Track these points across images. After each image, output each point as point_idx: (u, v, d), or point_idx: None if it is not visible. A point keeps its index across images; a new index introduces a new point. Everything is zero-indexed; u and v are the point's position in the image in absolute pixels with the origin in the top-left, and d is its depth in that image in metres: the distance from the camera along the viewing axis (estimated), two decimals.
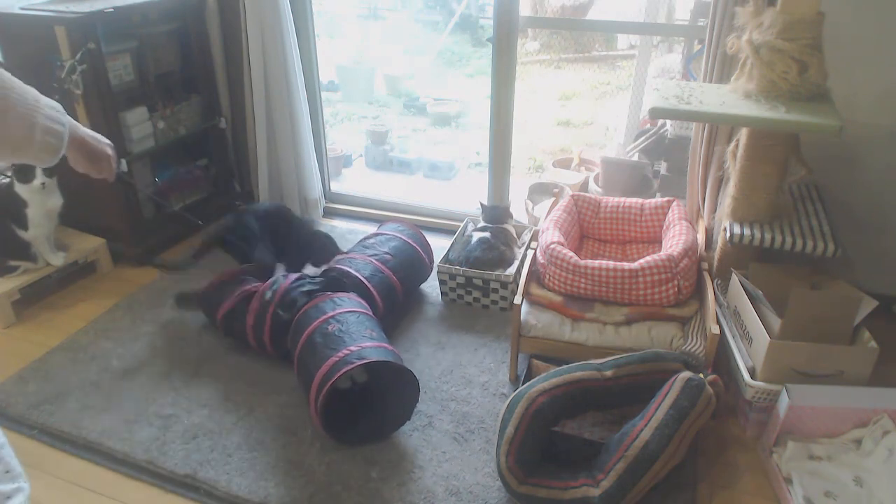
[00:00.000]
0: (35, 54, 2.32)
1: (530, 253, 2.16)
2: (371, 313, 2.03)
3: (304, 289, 2.08)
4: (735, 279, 1.95)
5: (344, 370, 1.70)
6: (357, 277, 2.16)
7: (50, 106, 1.08)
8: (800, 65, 1.74)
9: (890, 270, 2.30)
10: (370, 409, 1.90)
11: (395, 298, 2.28)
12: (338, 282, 2.13)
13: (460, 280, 2.38)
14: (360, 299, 2.07)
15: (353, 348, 1.77)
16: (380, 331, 1.95)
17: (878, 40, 2.02)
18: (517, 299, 1.95)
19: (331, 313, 1.93)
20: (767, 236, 1.88)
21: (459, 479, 1.72)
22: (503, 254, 2.42)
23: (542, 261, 2.05)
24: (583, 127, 4.68)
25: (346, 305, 1.98)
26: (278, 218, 2.49)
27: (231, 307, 2.12)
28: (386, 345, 1.86)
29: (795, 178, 1.96)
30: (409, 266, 2.37)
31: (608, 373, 1.68)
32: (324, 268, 2.25)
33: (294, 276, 2.15)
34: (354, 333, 1.85)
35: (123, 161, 1.48)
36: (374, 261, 2.26)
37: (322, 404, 1.71)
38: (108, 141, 1.29)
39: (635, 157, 2.75)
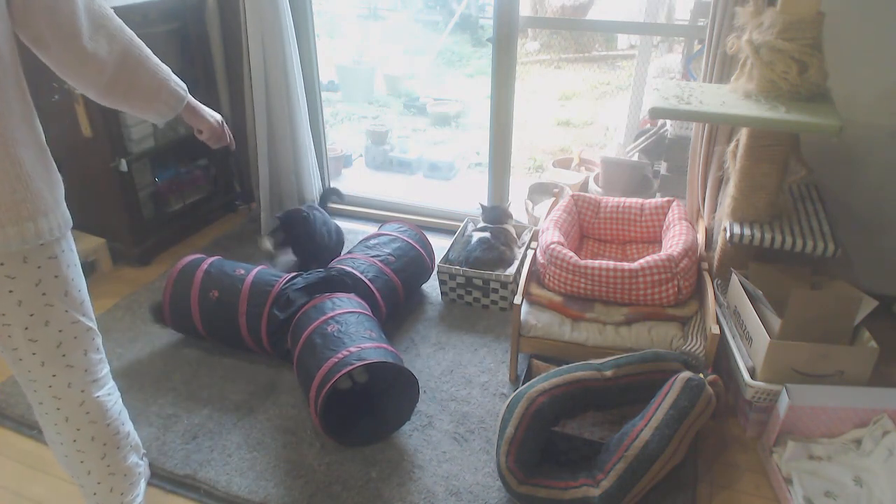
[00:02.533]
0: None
1: (530, 253, 2.16)
2: (371, 314, 2.03)
3: (299, 286, 2.08)
4: (735, 279, 1.95)
5: (343, 371, 1.70)
6: (360, 279, 2.16)
7: (178, 81, 1.33)
8: (800, 65, 1.74)
9: (890, 270, 2.30)
10: (370, 409, 1.90)
11: (397, 300, 2.28)
12: (334, 281, 2.12)
13: (460, 280, 2.38)
14: (359, 299, 2.07)
15: (352, 349, 1.77)
16: (379, 331, 1.95)
17: (878, 40, 2.02)
18: (517, 299, 1.95)
19: (330, 314, 1.93)
20: (767, 236, 1.88)
21: (459, 479, 1.72)
22: (503, 254, 2.42)
23: (542, 261, 2.05)
24: (583, 127, 4.68)
25: (346, 306, 1.98)
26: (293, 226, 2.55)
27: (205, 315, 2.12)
28: (386, 345, 1.86)
29: (795, 178, 1.96)
30: (411, 268, 2.37)
31: (608, 373, 1.68)
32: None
33: (289, 275, 2.14)
34: (354, 334, 1.85)
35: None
36: (377, 262, 2.26)
37: (322, 406, 1.71)
38: (218, 115, 1.50)
39: (635, 157, 2.75)
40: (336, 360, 1.74)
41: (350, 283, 2.14)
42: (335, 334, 1.84)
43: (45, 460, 1.79)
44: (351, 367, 1.71)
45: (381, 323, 2.09)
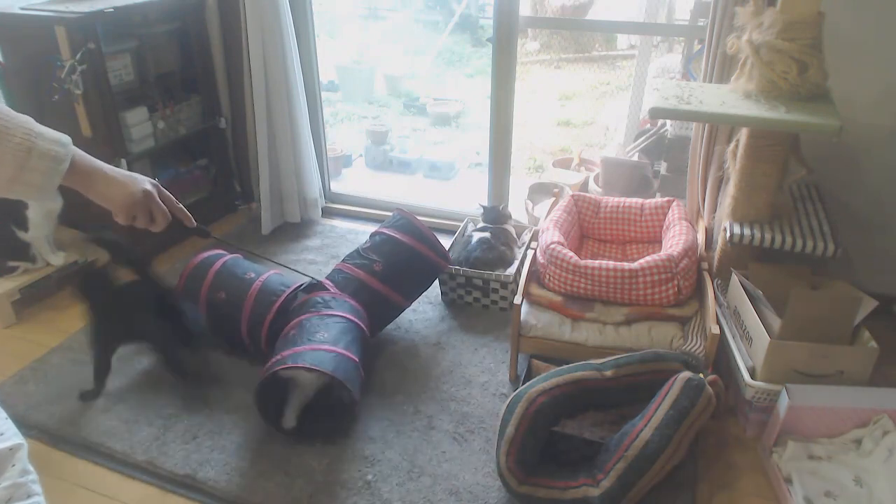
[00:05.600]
0: (35, 54, 2.32)
1: (530, 253, 2.16)
2: (350, 316, 1.96)
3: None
4: (735, 279, 1.95)
5: (266, 375, 1.71)
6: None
7: (49, 133, 0.96)
8: (800, 65, 1.74)
9: (890, 270, 2.30)
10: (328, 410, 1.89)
11: (387, 310, 2.21)
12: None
13: (460, 280, 2.38)
14: (351, 301, 2.04)
15: (285, 353, 1.76)
16: (342, 334, 1.86)
17: (878, 40, 2.02)
18: (517, 299, 1.95)
19: (303, 315, 1.93)
20: (767, 236, 1.88)
21: (459, 479, 1.72)
22: (503, 254, 2.42)
23: (542, 261, 2.05)
24: (583, 127, 4.68)
25: (324, 308, 1.96)
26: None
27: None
28: (330, 347, 1.79)
29: (795, 178, 1.96)
30: (408, 273, 2.22)
31: (608, 373, 1.68)
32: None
33: (296, 284, 2.12)
34: (303, 336, 1.83)
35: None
36: (361, 273, 2.16)
37: (258, 401, 1.77)
38: (139, 185, 1.06)
39: (635, 157, 2.75)
40: (274, 360, 1.76)
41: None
42: (290, 336, 1.85)
43: (46, 460, 1.79)
44: (278, 369, 1.71)
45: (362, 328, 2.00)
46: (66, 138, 0.98)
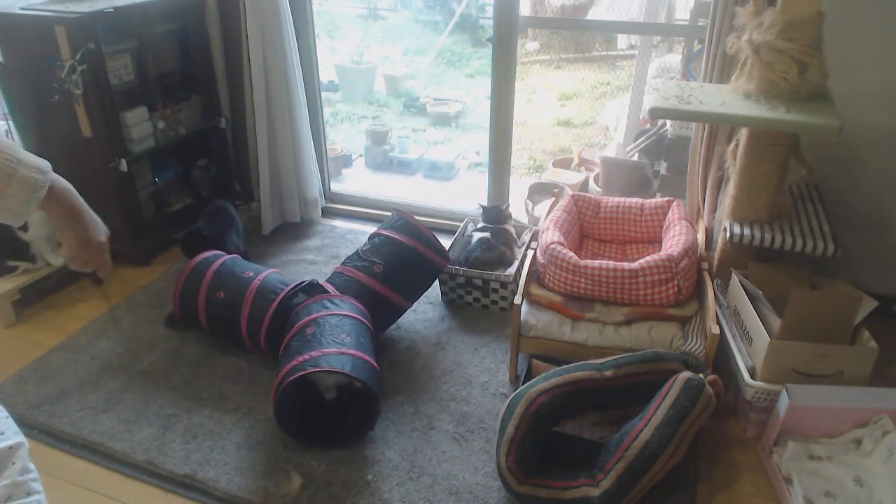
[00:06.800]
0: (35, 54, 2.32)
1: (530, 253, 2.16)
2: (362, 318, 1.98)
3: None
4: (735, 279, 1.95)
5: (294, 376, 1.69)
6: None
7: (31, 159, 0.99)
8: (800, 65, 1.74)
9: (890, 270, 2.30)
10: (343, 415, 1.88)
11: (390, 311, 2.22)
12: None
13: (460, 280, 2.38)
14: (356, 302, 2.05)
15: (313, 354, 1.75)
16: (359, 336, 1.88)
17: (878, 40, 2.02)
18: (517, 299, 1.95)
19: (315, 315, 1.92)
20: (767, 236, 1.88)
21: (459, 479, 1.72)
22: (503, 254, 2.42)
23: (542, 261, 2.05)
24: (583, 127, 4.68)
25: (334, 308, 1.96)
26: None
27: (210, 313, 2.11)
28: (355, 352, 1.79)
29: (795, 178, 1.97)
30: (407, 277, 2.22)
31: (608, 373, 1.68)
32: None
33: (295, 283, 2.12)
34: (325, 337, 1.82)
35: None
36: (361, 276, 2.17)
37: (277, 409, 1.75)
38: (99, 234, 1.14)
39: (635, 157, 2.75)
40: (294, 363, 1.73)
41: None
42: (309, 337, 1.83)
43: (45, 460, 1.79)
44: (303, 373, 1.69)
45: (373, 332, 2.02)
46: (46, 165, 1.00)
